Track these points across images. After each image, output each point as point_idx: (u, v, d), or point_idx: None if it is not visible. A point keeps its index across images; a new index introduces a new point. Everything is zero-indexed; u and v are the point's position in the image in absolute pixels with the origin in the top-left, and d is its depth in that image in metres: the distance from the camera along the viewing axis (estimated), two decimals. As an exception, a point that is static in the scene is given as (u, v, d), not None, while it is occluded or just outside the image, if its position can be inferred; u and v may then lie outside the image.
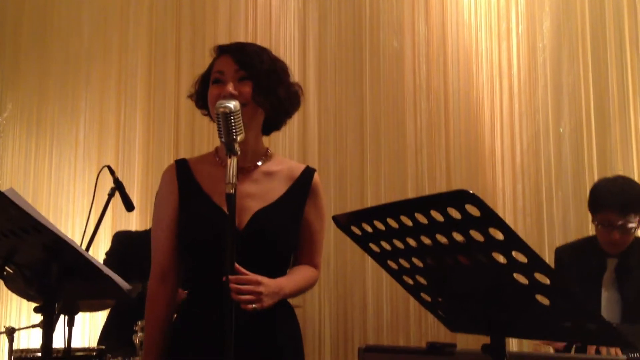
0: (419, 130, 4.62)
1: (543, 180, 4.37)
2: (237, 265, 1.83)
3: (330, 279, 4.48)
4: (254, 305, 1.83)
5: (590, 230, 3.80)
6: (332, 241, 4.39)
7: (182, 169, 2.14)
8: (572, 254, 3.22)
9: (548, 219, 4.32)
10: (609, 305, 3.02)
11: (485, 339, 1.49)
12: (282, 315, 2.07)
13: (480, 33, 4.62)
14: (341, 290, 4.44)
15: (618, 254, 3.06)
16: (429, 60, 4.69)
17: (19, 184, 5.31)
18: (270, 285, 1.90)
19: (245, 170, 2.09)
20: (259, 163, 2.12)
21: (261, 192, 2.08)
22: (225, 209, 1.96)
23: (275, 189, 2.10)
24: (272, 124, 2.15)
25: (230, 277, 1.78)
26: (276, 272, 2.03)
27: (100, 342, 3.81)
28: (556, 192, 4.33)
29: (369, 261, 4.36)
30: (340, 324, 4.52)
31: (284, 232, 2.06)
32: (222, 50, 2.11)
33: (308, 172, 2.16)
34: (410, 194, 4.52)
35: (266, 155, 2.15)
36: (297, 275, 2.10)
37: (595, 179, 4.21)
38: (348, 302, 4.52)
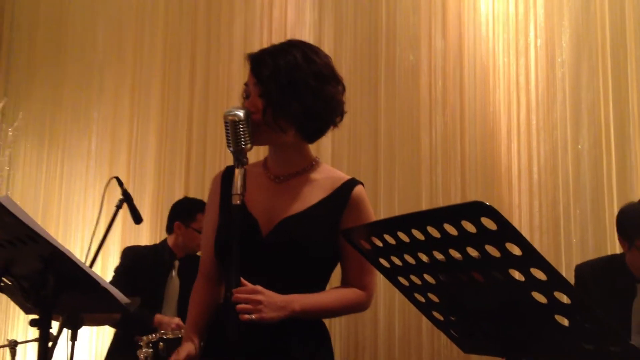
0: (434, 145, 4.55)
1: (560, 198, 4.27)
2: (242, 278, 1.76)
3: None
4: (251, 316, 1.72)
5: (609, 250, 3.71)
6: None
7: (228, 175, 2.04)
8: (595, 273, 3.05)
9: (565, 236, 4.21)
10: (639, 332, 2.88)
11: (500, 361, 1.41)
12: (299, 333, 1.91)
13: (498, 47, 4.55)
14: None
15: None
16: (445, 75, 4.62)
17: (29, 194, 5.30)
18: (272, 297, 1.78)
19: (282, 179, 2.00)
20: (300, 172, 2.01)
21: (295, 201, 1.96)
22: (258, 219, 1.93)
23: (310, 198, 1.96)
24: (308, 134, 1.97)
25: (234, 289, 1.72)
26: (307, 287, 1.91)
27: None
28: (574, 210, 4.23)
29: (381, 275, 4.27)
30: (351, 340, 4.44)
31: (310, 242, 1.91)
32: (248, 60, 1.98)
33: (350, 183, 2.00)
34: (424, 209, 4.43)
35: (311, 165, 2.02)
36: (325, 294, 1.95)
37: (615, 196, 4.13)
38: (359, 318, 4.43)
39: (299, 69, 1.90)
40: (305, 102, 1.89)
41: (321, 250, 1.94)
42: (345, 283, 2.01)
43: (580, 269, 3.15)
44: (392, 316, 4.42)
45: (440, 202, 4.45)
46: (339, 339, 4.39)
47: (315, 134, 1.98)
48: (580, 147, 4.30)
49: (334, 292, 1.98)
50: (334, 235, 1.93)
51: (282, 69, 1.89)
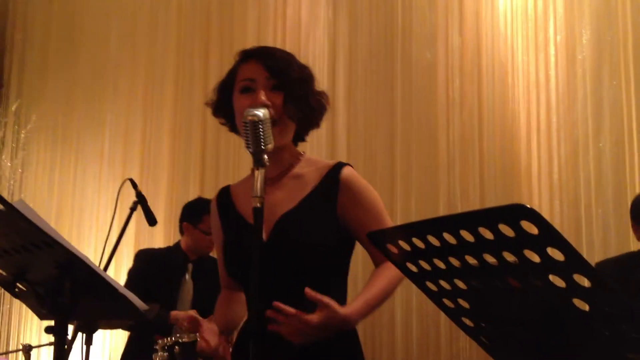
0: (452, 145, 4.47)
1: (582, 198, 4.19)
2: (279, 304, 1.69)
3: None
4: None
5: (633, 248, 3.64)
6: (359, 255, 4.18)
7: (223, 197, 2.08)
8: (614, 269, 3.08)
9: (587, 237, 4.13)
10: None
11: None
12: (340, 341, 1.88)
13: (517, 44, 4.47)
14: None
15: None
16: (462, 73, 4.54)
17: (42, 197, 5.27)
18: (328, 325, 1.74)
19: (273, 180, 1.96)
20: (289, 168, 1.99)
21: (287, 197, 1.93)
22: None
23: (302, 191, 1.94)
24: (299, 136, 2.01)
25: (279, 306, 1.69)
26: (312, 281, 1.81)
27: (122, 362, 3.73)
28: (596, 210, 4.15)
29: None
30: (368, 342, 4.36)
31: (311, 234, 1.87)
32: (249, 55, 1.96)
33: (336, 167, 1.96)
34: (442, 210, 4.37)
35: (298, 160, 2.00)
36: (373, 286, 1.89)
37: (638, 196, 4.05)
38: (376, 321, 4.37)
39: (304, 68, 1.97)
40: (314, 96, 1.95)
41: (322, 239, 1.89)
42: (375, 264, 2.00)
43: (600, 267, 3.16)
44: (409, 318, 4.35)
45: (459, 203, 4.37)
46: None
47: (306, 133, 2.03)
48: (601, 145, 4.21)
49: (378, 279, 1.92)
50: (333, 222, 1.91)
51: (294, 64, 1.93)
